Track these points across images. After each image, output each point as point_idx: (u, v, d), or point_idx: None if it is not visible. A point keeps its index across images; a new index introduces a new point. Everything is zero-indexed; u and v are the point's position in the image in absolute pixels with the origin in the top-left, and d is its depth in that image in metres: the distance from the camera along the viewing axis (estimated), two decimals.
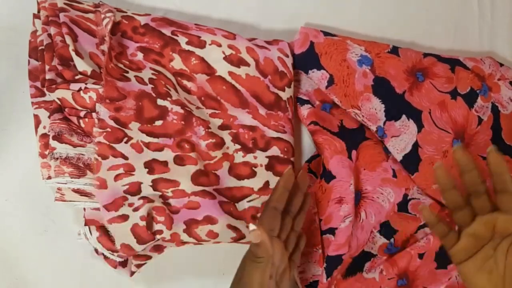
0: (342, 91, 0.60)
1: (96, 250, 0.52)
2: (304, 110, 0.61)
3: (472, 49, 0.71)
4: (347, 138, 0.61)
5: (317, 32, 0.61)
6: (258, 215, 0.55)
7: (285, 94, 0.59)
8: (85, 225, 0.51)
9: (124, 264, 0.54)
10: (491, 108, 0.64)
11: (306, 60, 0.60)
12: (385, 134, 0.60)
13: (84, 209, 0.52)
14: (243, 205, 0.55)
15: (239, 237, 0.54)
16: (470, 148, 0.63)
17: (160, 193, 0.52)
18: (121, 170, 0.50)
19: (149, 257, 0.54)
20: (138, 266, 0.54)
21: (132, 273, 0.54)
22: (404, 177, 0.62)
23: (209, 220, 0.52)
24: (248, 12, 0.65)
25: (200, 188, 0.53)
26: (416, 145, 0.61)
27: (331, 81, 0.60)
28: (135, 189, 0.51)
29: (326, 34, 0.62)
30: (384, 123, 0.60)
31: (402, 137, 0.61)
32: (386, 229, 0.61)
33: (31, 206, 0.57)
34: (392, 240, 0.61)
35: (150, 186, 0.51)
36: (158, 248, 0.54)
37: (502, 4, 0.73)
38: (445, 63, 0.64)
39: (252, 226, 0.45)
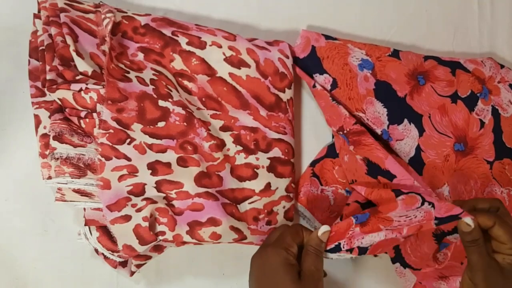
0: (346, 94, 0.60)
1: (96, 250, 0.52)
2: (344, 110, 0.59)
3: (472, 50, 0.71)
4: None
5: (319, 35, 0.61)
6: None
7: (285, 95, 0.59)
8: (85, 225, 0.51)
9: (124, 264, 0.54)
10: (491, 111, 0.64)
11: (309, 64, 0.61)
12: (390, 137, 0.60)
13: (84, 209, 0.52)
14: (244, 206, 0.55)
15: (241, 238, 0.54)
16: (476, 152, 0.63)
17: (164, 195, 0.52)
18: (124, 171, 0.50)
19: (149, 257, 0.54)
20: (138, 266, 0.54)
21: (132, 273, 0.54)
22: None
23: (213, 222, 0.52)
24: (248, 13, 0.65)
25: (204, 189, 0.53)
26: (419, 149, 0.61)
27: (334, 85, 0.60)
28: (139, 190, 0.51)
29: (327, 37, 0.62)
30: (388, 126, 0.60)
31: (406, 140, 0.61)
32: None
33: (31, 206, 0.57)
34: None
35: (154, 187, 0.51)
36: (158, 248, 0.54)
37: (502, 4, 0.73)
38: (445, 66, 0.64)
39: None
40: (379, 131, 0.60)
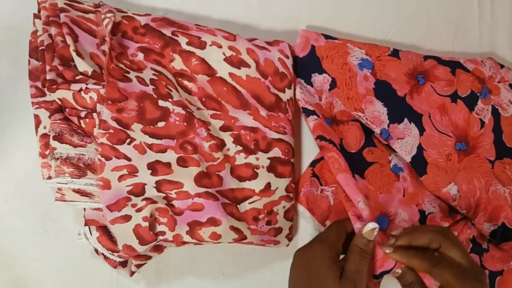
0: (345, 94, 0.60)
1: (96, 250, 0.52)
2: (311, 122, 0.59)
3: (472, 50, 0.71)
4: (348, 160, 0.59)
5: (318, 35, 0.62)
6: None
7: (285, 95, 0.59)
8: (85, 225, 0.51)
9: (124, 264, 0.54)
10: (491, 111, 0.64)
11: (308, 64, 0.61)
12: (390, 136, 0.60)
13: (84, 209, 0.52)
14: (244, 206, 0.55)
15: (241, 238, 0.54)
16: (478, 151, 0.63)
17: (164, 195, 0.52)
18: (124, 171, 0.50)
19: (149, 257, 0.54)
20: (138, 266, 0.54)
21: (132, 273, 0.54)
22: (410, 194, 0.61)
23: (213, 222, 0.52)
24: (248, 13, 0.65)
25: (204, 189, 0.53)
26: (420, 148, 0.61)
27: (333, 84, 0.60)
28: (139, 190, 0.51)
29: (327, 37, 0.62)
30: (388, 125, 0.60)
31: (407, 139, 0.61)
32: None
33: (31, 206, 0.57)
34: None
35: (154, 187, 0.51)
36: (158, 248, 0.54)
37: (502, 4, 0.73)
38: (445, 66, 0.64)
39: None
40: (378, 131, 0.60)
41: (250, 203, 0.56)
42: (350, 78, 0.61)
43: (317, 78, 0.61)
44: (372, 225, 0.49)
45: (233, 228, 0.53)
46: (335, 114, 0.61)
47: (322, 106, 0.61)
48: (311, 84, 0.61)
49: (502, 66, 0.68)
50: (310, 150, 0.63)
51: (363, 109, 0.60)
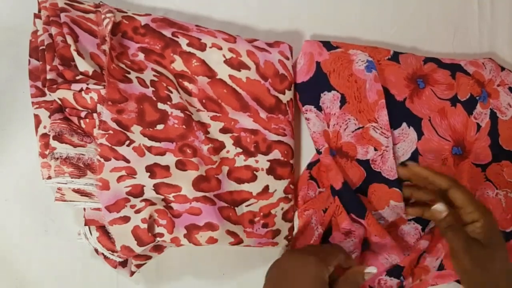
0: (355, 108, 0.60)
1: (96, 250, 0.52)
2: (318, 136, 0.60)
3: (472, 50, 0.71)
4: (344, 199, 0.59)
5: (320, 47, 0.61)
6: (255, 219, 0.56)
7: (285, 97, 0.59)
8: (85, 225, 0.51)
9: (124, 264, 0.54)
10: (489, 115, 0.64)
11: (316, 84, 0.60)
12: None
13: (84, 209, 0.52)
14: (241, 209, 0.55)
15: (237, 242, 0.54)
16: (472, 155, 0.63)
17: (163, 197, 0.52)
18: (123, 172, 0.50)
19: (149, 257, 0.54)
20: (138, 266, 0.54)
21: (132, 273, 0.54)
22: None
23: (210, 226, 0.52)
24: (248, 13, 0.65)
25: (201, 194, 0.53)
26: (416, 153, 0.61)
27: (343, 101, 0.60)
28: (138, 191, 0.51)
29: (329, 48, 0.61)
30: None
31: (400, 145, 0.61)
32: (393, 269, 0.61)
33: (31, 206, 0.57)
34: (401, 278, 0.61)
35: (152, 190, 0.51)
36: (158, 248, 0.54)
37: (502, 4, 0.73)
38: (445, 69, 0.64)
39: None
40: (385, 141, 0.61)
41: (247, 205, 0.56)
42: (358, 89, 0.60)
43: (326, 97, 0.60)
44: (373, 269, 0.51)
45: (229, 232, 0.53)
46: (341, 145, 0.61)
47: (330, 134, 0.61)
48: (320, 108, 0.61)
49: (503, 69, 0.67)
50: (309, 151, 0.63)
51: (377, 119, 0.60)
